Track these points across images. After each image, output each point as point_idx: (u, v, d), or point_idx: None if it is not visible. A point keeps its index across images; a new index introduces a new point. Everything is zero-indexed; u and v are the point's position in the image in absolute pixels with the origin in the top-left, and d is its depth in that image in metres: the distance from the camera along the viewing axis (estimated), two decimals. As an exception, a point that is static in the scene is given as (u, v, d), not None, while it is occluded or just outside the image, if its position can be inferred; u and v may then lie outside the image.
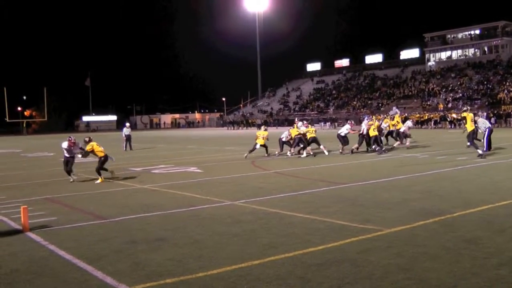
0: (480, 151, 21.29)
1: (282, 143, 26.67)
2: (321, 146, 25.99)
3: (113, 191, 15.53)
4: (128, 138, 35.37)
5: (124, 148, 34.92)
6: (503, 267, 7.00)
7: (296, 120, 30.37)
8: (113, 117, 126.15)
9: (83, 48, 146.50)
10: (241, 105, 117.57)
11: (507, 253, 7.62)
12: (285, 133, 26.74)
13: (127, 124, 36.74)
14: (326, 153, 25.47)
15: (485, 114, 37.72)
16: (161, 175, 19.46)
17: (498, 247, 7.96)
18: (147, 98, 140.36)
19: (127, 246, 8.66)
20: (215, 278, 6.89)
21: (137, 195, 14.59)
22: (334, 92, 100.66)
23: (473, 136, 22.74)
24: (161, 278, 6.86)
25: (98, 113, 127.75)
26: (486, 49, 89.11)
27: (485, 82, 77.17)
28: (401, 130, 28.28)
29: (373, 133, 25.32)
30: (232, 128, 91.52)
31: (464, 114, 22.65)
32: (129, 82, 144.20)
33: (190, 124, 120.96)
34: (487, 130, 23.30)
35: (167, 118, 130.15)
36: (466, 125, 22.25)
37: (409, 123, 30.03)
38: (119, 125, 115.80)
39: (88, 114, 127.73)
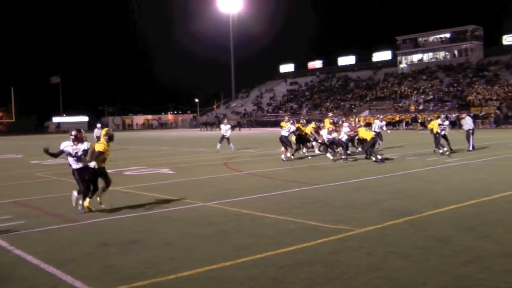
0: (441, 151, 22.94)
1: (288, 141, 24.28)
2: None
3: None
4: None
5: None
6: (471, 264, 7.13)
7: (286, 119, 29.93)
8: (85, 118, 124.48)
9: (53, 47, 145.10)
10: (215, 106, 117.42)
11: (475, 251, 7.76)
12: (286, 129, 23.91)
13: (99, 125, 36.44)
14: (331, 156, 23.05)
15: (471, 115, 37.96)
16: (133, 176, 19.33)
17: (466, 245, 8.10)
18: (119, 99, 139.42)
19: (98, 249, 8.58)
20: (187, 280, 6.89)
21: (108, 197, 14.45)
22: (307, 93, 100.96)
23: (437, 139, 23.78)
24: (133, 281, 6.82)
25: (69, 114, 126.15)
26: (456, 52, 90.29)
27: (455, 85, 78.19)
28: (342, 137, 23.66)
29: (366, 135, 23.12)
30: (205, 129, 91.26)
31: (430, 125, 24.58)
32: (101, 82, 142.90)
33: (163, 125, 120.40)
34: (470, 130, 24.98)
35: (139, 119, 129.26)
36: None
37: (377, 122, 29.60)
38: (91, 127, 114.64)
39: (58, 115, 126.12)
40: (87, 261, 7.89)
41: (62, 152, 12.11)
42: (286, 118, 28.56)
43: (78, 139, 12.15)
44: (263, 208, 11.63)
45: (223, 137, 30.56)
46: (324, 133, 23.91)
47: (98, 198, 12.53)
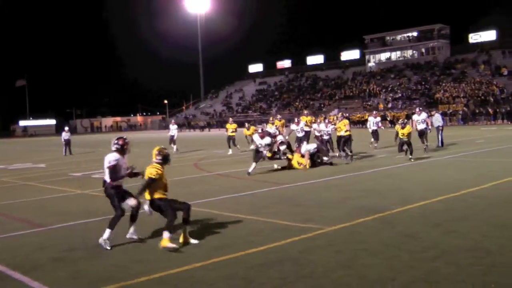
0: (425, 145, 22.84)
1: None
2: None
3: (52, 197, 15.17)
4: (68, 142, 34.80)
5: (64, 153, 34.28)
6: (438, 259, 7.24)
7: (276, 116, 29.50)
8: (52, 121, 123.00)
9: (18, 50, 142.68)
10: (184, 107, 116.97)
11: (442, 246, 7.88)
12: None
13: (66, 128, 36.16)
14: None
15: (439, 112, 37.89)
16: (101, 180, 19.06)
17: (434, 241, 8.22)
18: (87, 101, 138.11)
19: (66, 254, 8.49)
20: (157, 282, 6.87)
21: (77, 201, 14.35)
22: (276, 93, 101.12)
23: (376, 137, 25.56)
24: (102, 284, 6.77)
25: (36, 117, 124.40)
26: (423, 50, 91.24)
27: (423, 83, 79.04)
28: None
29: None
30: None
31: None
32: (68, 85, 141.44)
33: (132, 127, 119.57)
34: (440, 127, 25.54)
35: (108, 121, 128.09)
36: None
37: (371, 119, 28.15)
38: (59, 130, 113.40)
39: (25, 118, 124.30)
40: (55, 266, 7.81)
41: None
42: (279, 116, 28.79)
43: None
44: (233, 208, 11.62)
45: (172, 137, 31.73)
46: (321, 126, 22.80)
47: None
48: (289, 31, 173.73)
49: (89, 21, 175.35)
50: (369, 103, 78.44)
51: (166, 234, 8.49)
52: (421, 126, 23.46)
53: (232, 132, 29.28)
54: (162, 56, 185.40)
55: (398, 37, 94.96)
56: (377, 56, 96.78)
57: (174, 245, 8.35)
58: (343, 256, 7.60)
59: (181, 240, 8.81)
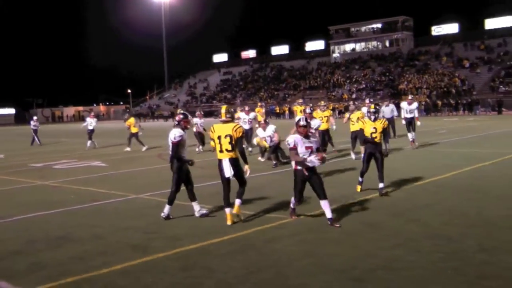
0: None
1: None
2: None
3: (11, 188, 14.86)
4: (35, 132, 34.13)
5: (32, 143, 33.62)
6: (400, 247, 7.33)
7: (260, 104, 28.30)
8: (11, 111, 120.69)
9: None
10: (147, 97, 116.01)
11: (404, 234, 7.99)
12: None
13: (35, 118, 35.59)
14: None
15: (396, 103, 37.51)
16: (63, 170, 18.90)
17: (395, 229, 8.33)
18: (49, 91, 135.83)
19: (26, 247, 8.33)
20: (119, 273, 6.79)
21: (37, 192, 14.13)
22: (241, 83, 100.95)
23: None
24: (63, 277, 6.66)
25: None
26: (387, 42, 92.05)
27: (387, 74, 79.83)
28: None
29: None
30: (138, 120, 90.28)
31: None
32: (29, 73, 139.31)
33: (95, 117, 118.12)
34: (394, 118, 24.52)
35: (70, 111, 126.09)
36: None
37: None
38: (18, 120, 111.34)
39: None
40: (14, 260, 7.65)
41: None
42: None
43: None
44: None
45: (88, 132, 29.13)
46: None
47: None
48: (254, 21, 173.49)
49: (50, 7, 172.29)
50: (333, 94, 78.93)
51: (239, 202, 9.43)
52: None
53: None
54: (126, 45, 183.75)
55: (363, 29, 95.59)
56: (342, 47, 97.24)
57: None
58: (306, 245, 7.64)
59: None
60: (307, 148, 8.91)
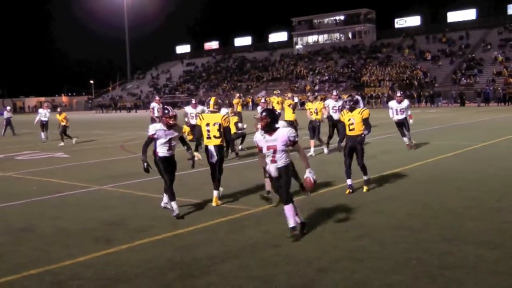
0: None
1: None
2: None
3: (-28, 180, 14.65)
4: (8, 122, 33.38)
5: (3, 134, 32.90)
6: (364, 238, 7.41)
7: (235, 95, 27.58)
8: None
9: None
10: (110, 88, 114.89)
11: (367, 226, 8.07)
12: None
13: (8, 108, 34.91)
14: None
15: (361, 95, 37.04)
16: (25, 161, 18.62)
17: (359, 221, 8.39)
18: (9, 81, 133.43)
19: (-13, 238, 8.21)
20: (82, 265, 6.73)
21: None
22: (204, 74, 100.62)
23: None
24: (25, 269, 6.58)
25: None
26: (350, 34, 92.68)
27: (350, 66, 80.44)
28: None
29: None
30: (101, 111, 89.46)
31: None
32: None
33: (56, 108, 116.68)
34: None
35: (31, 101, 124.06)
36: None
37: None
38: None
39: None
40: (-25, 252, 7.53)
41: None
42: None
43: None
44: (159, 190, 11.39)
45: (42, 124, 27.41)
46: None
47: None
48: (217, 12, 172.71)
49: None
50: (296, 85, 79.19)
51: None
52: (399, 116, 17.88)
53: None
54: (89, 35, 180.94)
55: (326, 20, 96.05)
56: (305, 39, 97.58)
57: None
58: (271, 236, 7.67)
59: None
60: (269, 148, 7.65)
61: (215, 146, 10.14)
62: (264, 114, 7.71)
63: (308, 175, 7.69)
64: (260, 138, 7.75)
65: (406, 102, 18.05)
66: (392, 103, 18.22)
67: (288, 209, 7.55)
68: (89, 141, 26.61)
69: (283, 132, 7.63)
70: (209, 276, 6.21)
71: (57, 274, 6.43)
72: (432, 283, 5.75)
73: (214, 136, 10.14)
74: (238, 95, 29.79)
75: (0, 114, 42.04)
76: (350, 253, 6.76)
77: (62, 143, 24.15)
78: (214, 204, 9.88)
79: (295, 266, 6.40)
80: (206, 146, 10.24)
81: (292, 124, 16.97)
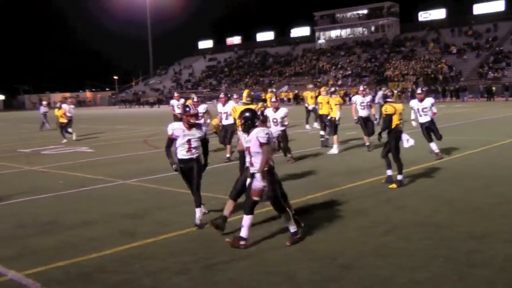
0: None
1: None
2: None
3: (0, 174, 14.83)
4: (45, 116, 33.45)
5: (42, 127, 32.96)
6: (389, 234, 7.34)
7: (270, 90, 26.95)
8: (0, 97, 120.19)
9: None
10: (133, 83, 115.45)
11: (392, 221, 7.99)
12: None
13: (44, 103, 35.19)
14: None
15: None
16: (51, 155, 18.82)
17: (384, 216, 8.32)
18: (36, 77, 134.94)
19: (16, 231, 8.32)
20: (108, 258, 6.79)
21: (25, 177, 14.07)
22: (226, 69, 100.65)
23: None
24: (52, 261, 6.65)
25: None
26: (373, 28, 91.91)
27: (373, 60, 79.81)
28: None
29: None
30: (124, 107, 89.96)
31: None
32: (16, 60, 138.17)
33: (81, 103, 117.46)
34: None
35: (57, 97, 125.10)
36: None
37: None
38: (7, 106, 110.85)
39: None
40: (4, 244, 7.66)
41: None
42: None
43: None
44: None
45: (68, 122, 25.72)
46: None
47: None
48: (239, 8, 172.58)
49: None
50: (319, 80, 78.83)
51: None
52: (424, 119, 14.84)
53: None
54: (112, 31, 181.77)
55: (348, 14, 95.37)
56: (327, 33, 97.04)
57: None
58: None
59: None
60: (246, 149, 7.25)
61: None
62: (240, 113, 7.42)
63: (253, 181, 6.98)
64: (242, 138, 7.68)
65: (430, 100, 14.93)
66: (414, 103, 14.97)
67: (245, 219, 7.03)
68: (112, 136, 26.75)
69: (255, 133, 7.10)
70: (233, 270, 6.22)
71: (83, 267, 6.49)
72: (460, 281, 5.65)
73: None
74: (270, 89, 29.57)
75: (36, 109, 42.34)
76: (375, 249, 6.71)
77: (64, 140, 23.78)
78: None
79: (318, 262, 6.37)
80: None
81: (333, 121, 16.48)
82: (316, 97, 21.92)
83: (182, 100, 21.97)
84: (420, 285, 5.59)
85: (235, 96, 19.74)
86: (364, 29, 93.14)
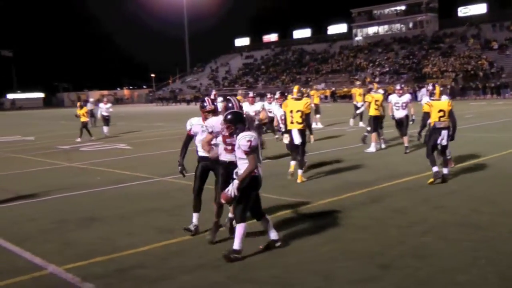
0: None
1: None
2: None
3: (41, 170, 15.13)
4: (92, 114, 32.85)
5: (90, 124, 33.21)
6: (427, 234, 7.24)
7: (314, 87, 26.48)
8: (40, 95, 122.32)
9: (6, 24, 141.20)
10: (170, 81, 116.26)
11: (431, 221, 7.88)
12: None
13: (91, 100, 35.72)
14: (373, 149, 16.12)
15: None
16: (89, 152, 19.09)
17: (422, 216, 8.21)
18: (74, 75, 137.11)
19: (56, 226, 8.47)
20: (145, 254, 6.85)
21: (65, 173, 14.29)
22: (262, 67, 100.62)
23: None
24: (91, 256, 6.74)
25: (23, 90, 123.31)
26: (411, 24, 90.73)
27: (411, 57, 78.76)
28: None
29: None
30: (162, 104, 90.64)
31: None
32: (56, 58, 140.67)
33: (118, 101, 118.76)
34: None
35: (95, 94, 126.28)
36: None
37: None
38: (47, 103, 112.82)
39: (12, 91, 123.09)
40: (45, 238, 7.79)
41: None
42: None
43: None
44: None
45: (105, 118, 27.09)
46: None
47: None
48: (276, 5, 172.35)
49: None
50: (356, 77, 78.23)
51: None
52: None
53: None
54: (149, 30, 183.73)
55: (386, 11, 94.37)
56: (364, 30, 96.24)
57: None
58: (332, 230, 7.59)
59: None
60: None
61: (298, 130, 11.26)
62: (224, 116, 6.87)
63: (229, 187, 6.63)
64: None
65: (407, 96, 16.00)
66: (392, 97, 16.05)
67: (238, 228, 6.60)
68: (149, 133, 26.98)
69: (238, 139, 6.58)
70: (273, 268, 6.21)
71: (121, 262, 6.56)
72: (502, 284, 5.54)
73: (297, 122, 11.27)
74: (315, 86, 29.31)
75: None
76: (413, 250, 6.62)
77: (79, 139, 23.45)
78: (298, 181, 11.24)
79: (356, 261, 6.31)
80: (290, 130, 11.35)
81: (378, 118, 16.05)
82: (364, 94, 21.51)
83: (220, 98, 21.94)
84: (461, 287, 5.49)
85: (268, 95, 19.50)
86: (402, 25, 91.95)
